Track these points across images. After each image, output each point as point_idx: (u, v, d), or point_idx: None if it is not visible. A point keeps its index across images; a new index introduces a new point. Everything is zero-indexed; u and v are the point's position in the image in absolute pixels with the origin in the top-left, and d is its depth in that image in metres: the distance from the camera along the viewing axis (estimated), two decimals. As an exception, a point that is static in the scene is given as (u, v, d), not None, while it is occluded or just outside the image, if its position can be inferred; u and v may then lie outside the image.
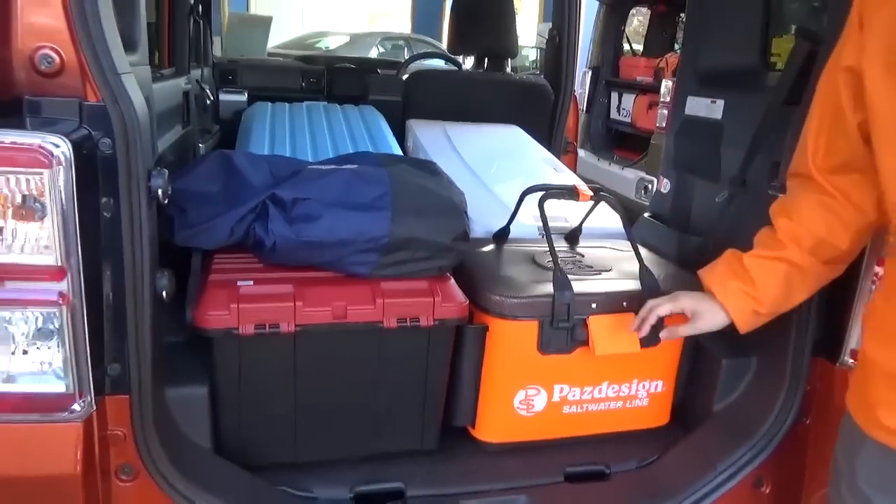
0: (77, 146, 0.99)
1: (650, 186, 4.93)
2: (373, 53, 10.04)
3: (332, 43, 9.75)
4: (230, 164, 1.43)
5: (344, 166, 1.39)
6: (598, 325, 1.43)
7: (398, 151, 2.09)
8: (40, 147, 0.94)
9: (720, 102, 1.86)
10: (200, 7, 2.75)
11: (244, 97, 3.40)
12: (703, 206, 1.92)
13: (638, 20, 6.90)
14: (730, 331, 1.61)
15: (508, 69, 2.83)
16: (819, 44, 1.44)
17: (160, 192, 1.10)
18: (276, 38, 9.80)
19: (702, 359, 1.60)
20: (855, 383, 1.16)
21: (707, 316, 1.28)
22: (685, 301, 1.30)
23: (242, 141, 2.12)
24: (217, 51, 4.33)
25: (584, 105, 6.42)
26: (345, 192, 1.31)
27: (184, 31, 2.54)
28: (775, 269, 1.21)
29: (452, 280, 1.41)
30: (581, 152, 6.45)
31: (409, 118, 2.67)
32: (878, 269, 1.35)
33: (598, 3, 6.16)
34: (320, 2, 11.04)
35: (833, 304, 1.40)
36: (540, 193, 1.55)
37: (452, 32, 2.84)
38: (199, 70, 2.90)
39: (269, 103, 2.50)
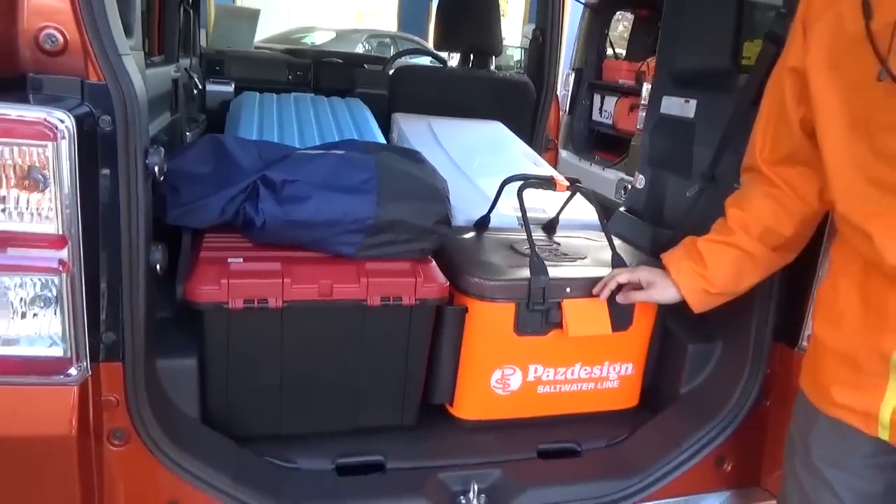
0: (79, 121, 1.04)
1: (630, 187, 5.03)
2: (359, 50, 10.07)
3: (318, 39, 9.76)
4: (221, 147, 1.48)
5: (332, 151, 1.45)
6: (572, 308, 1.50)
7: (383, 142, 2.15)
8: (45, 121, 0.99)
9: (693, 102, 1.95)
10: (190, -1, 2.78)
11: (231, 88, 3.43)
12: (675, 200, 2.01)
13: (623, 25, 7.02)
14: (694, 316, 1.71)
15: (493, 67, 2.90)
16: (783, 46, 1.53)
17: (156, 168, 1.15)
18: (263, 32, 9.79)
19: (669, 343, 1.69)
20: (807, 364, 1.24)
21: (660, 287, 1.40)
22: (642, 272, 1.44)
23: (231, 128, 2.17)
24: (204, 42, 4.36)
25: (566, 106, 6.52)
26: (332, 174, 1.37)
27: (174, 20, 2.58)
28: (725, 252, 1.32)
29: (434, 262, 1.48)
30: (563, 153, 6.55)
31: (394, 112, 2.73)
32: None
33: (582, 6, 6.26)
34: (307, -2, 11.13)
35: (792, 292, 1.48)
36: (519, 183, 1.62)
37: (438, 29, 2.90)
38: (188, 59, 2.94)
39: (258, 93, 2.55)
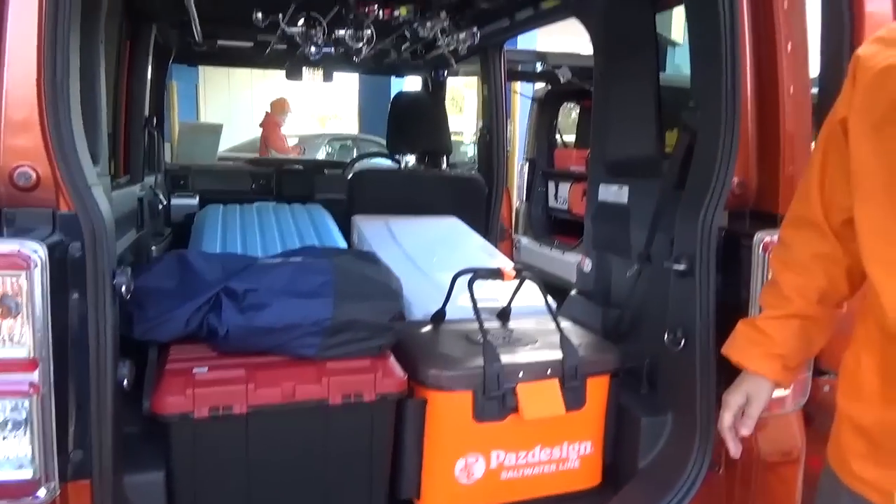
0: (51, 250, 1.12)
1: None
2: (321, 154, 10.39)
3: (282, 147, 10.07)
4: (185, 262, 1.57)
5: (291, 259, 1.55)
6: (526, 392, 1.58)
7: (343, 244, 2.26)
8: (19, 252, 1.08)
9: (626, 188, 2.12)
10: (154, 119, 2.94)
11: (195, 200, 3.55)
12: (619, 281, 2.13)
13: (574, 114, 7.44)
14: (646, 390, 1.79)
15: (444, 165, 3.08)
16: (695, 135, 1.71)
17: (123, 288, 1.23)
18: (227, 141, 10.11)
19: (624, 419, 1.76)
20: (833, 435, 1.19)
21: (753, 391, 1.29)
22: (733, 396, 1.31)
23: (195, 242, 2.26)
24: (169, 157, 4.52)
25: (524, 195, 6.81)
26: (291, 281, 1.47)
27: (139, 143, 2.71)
28: (790, 325, 1.24)
29: (392, 357, 1.56)
30: (524, 239, 6.77)
31: (354, 214, 2.86)
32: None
33: (531, 100, 6.67)
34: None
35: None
36: (469, 275, 1.73)
37: (391, 136, 3.10)
38: (153, 176, 3.07)
39: (221, 205, 2.67)
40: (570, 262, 5.86)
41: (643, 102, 2.16)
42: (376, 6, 2.11)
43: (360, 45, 2.30)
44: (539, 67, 5.60)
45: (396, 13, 2.18)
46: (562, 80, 5.28)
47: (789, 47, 1.59)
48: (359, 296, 1.48)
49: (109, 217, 1.24)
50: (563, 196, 6.30)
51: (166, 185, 3.62)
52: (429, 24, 2.27)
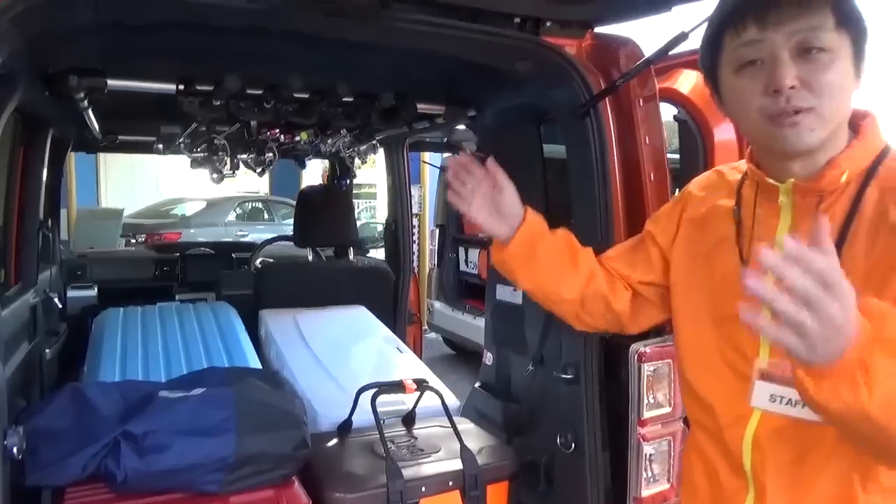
0: None
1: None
2: (231, 217, 10.23)
3: (188, 209, 9.88)
4: (81, 398, 1.56)
5: (192, 392, 1.56)
6: (429, 507, 1.64)
7: (250, 352, 2.27)
8: None
9: (519, 291, 2.26)
10: (49, 221, 2.86)
11: (94, 291, 3.44)
12: (519, 376, 2.25)
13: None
14: (544, 489, 1.89)
15: (351, 256, 3.15)
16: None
17: (15, 449, 1.22)
18: (132, 206, 9.78)
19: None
20: None
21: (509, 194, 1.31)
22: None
23: (92, 355, 2.21)
24: (67, 239, 4.35)
25: (435, 260, 6.96)
26: (192, 418, 1.48)
27: (32, 246, 2.63)
28: (559, 245, 1.32)
29: (296, 484, 1.59)
30: (437, 304, 6.90)
31: (261, 308, 2.87)
32: (640, 429, 1.71)
33: (439, 169, 6.89)
34: (175, 169, 11.22)
35: (616, 461, 1.71)
36: (373, 390, 1.79)
37: (298, 231, 3.14)
38: (48, 271, 2.96)
39: (121, 309, 2.61)
40: (481, 327, 6.03)
41: (530, 200, 2.33)
42: (277, 131, 2.19)
43: (263, 165, 2.36)
44: (444, 140, 5.83)
45: (297, 138, 2.27)
46: (467, 153, 5.50)
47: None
48: (261, 428, 1.51)
49: (1, 383, 1.24)
50: (472, 261, 6.49)
51: (62, 277, 3.49)
52: (330, 140, 2.38)
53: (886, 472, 1.02)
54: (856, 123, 1.05)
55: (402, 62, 1.77)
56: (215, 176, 2.39)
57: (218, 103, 1.81)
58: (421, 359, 3.47)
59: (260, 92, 1.85)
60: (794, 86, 0.96)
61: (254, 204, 11.26)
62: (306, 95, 1.90)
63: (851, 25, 0.98)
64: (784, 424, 1.04)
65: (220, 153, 2.28)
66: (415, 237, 7.27)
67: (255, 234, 9.30)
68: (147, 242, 7.89)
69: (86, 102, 1.93)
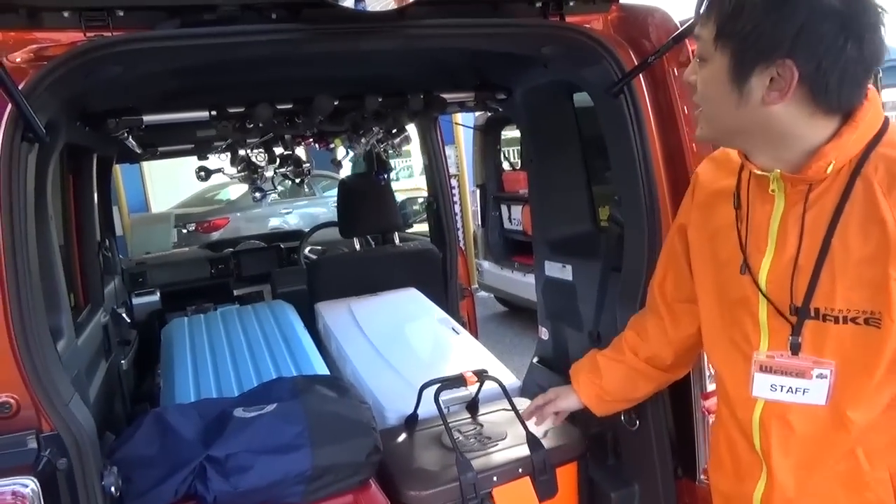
0: (40, 474, 1.20)
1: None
2: (273, 196, 10.34)
3: (232, 193, 10.03)
4: (163, 423, 1.65)
5: (264, 410, 1.64)
6: (502, 495, 1.70)
7: (312, 352, 2.35)
8: (13, 492, 1.15)
9: (569, 267, 2.26)
10: (107, 241, 2.98)
11: (156, 297, 3.59)
12: (576, 351, 2.27)
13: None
14: (613, 464, 1.92)
15: (397, 241, 3.19)
16: (623, 227, 1.85)
17: (112, 489, 1.31)
18: (176, 197, 10.02)
19: (595, 495, 1.89)
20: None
21: (563, 397, 1.63)
22: (551, 392, 1.67)
23: (165, 371, 2.32)
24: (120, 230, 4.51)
25: (479, 220, 6.95)
26: (268, 435, 1.56)
27: (95, 267, 2.75)
28: (617, 368, 1.54)
29: (373, 487, 1.66)
30: (485, 263, 6.91)
31: (315, 300, 2.95)
32: (704, 402, 1.72)
33: (472, 129, 6.81)
34: (214, 156, 11.42)
35: (682, 434, 1.73)
36: (436, 386, 1.84)
37: (342, 220, 3.19)
38: (112, 283, 3.10)
39: (185, 319, 2.72)
40: (531, 283, 6.03)
41: (573, 184, 2.31)
42: (311, 140, 2.21)
43: (302, 176, 2.39)
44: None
45: (332, 145, 2.29)
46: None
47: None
48: (334, 439, 1.58)
49: (91, 425, 1.32)
50: (516, 218, 6.44)
51: (126, 285, 3.65)
52: (363, 139, 2.38)
53: (892, 449, 1.09)
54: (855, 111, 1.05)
55: (428, 61, 1.76)
56: (257, 195, 2.44)
57: (251, 126, 1.84)
58: (476, 331, 3.53)
59: (290, 106, 1.87)
60: (695, 84, 1.10)
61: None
62: (336, 102, 1.91)
63: (732, 41, 1.01)
64: (788, 408, 1.12)
65: (259, 170, 2.33)
66: (455, 198, 7.28)
67: (299, 211, 9.43)
68: (198, 230, 8.14)
69: (125, 133, 1.98)
